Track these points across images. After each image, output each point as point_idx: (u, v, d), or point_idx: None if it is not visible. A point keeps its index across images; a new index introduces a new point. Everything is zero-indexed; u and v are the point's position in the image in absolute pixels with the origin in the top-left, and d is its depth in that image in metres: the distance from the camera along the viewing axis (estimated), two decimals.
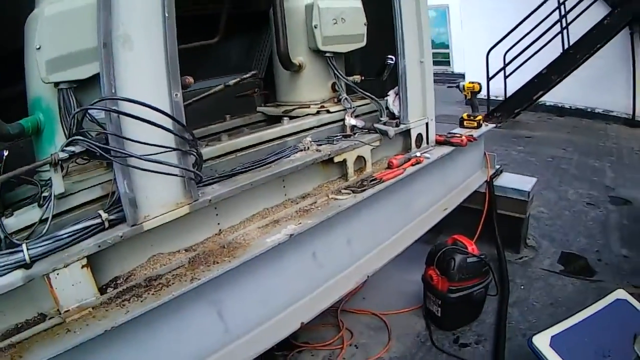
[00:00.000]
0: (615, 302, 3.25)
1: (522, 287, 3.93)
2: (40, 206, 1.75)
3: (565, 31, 8.86)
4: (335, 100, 3.08)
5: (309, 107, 3.00)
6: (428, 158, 3.12)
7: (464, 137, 3.53)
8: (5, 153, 1.82)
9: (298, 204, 2.42)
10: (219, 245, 2.02)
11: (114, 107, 1.63)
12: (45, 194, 1.76)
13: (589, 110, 10.34)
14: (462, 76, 12.25)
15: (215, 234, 2.11)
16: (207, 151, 2.21)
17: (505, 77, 9.70)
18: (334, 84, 3.08)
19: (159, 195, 1.81)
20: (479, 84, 4.15)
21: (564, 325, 2.95)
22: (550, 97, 9.86)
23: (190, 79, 2.16)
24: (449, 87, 4.32)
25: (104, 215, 1.73)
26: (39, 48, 1.75)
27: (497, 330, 3.32)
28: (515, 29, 9.32)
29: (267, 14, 3.19)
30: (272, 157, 2.37)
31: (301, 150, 2.53)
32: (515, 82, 9.60)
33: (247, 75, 3.06)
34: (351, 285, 2.49)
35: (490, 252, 4.13)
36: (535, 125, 10.10)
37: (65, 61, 1.78)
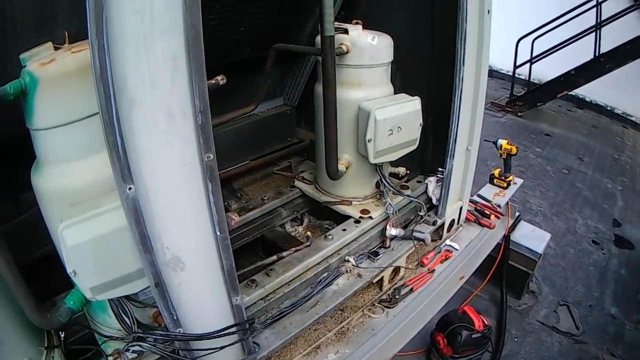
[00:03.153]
0: None
1: (515, 339, 4.21)
2: None
3: (597, 34, 8.72)
4: (378, 196, 3.13)
5: (350, 203, 3.04)
6: (457, 250, 3.31)
7: (492, 218, 3.68)
8: None
9: (337, 324, 2.63)
10: None
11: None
12: None
13: (608, 108, 10.33)
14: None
15: None
16: (258, 293, 2.36)
17: (531, 63, 9.71)
18: (377, 182, 3.09)
19: None
20: (517, 147, 4.20)
21: None
22: None
23: (235, 218, 2.29)
24: (485, 140, 4.35)
25: None
26: (74, 274, 1.63)
27: None
28: (549, 22, 9.32)
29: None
30: (317, 289, 2.52)
31: (344, 274, 2.69)
32: (540, 69, 9.67)
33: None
34: None
35: (495, 295, 4.49)
36: (556, 119, 10.09)
37: (110, 285, 1.71)
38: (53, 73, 1.59)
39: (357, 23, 2.82)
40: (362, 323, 2.68)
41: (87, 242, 1.59)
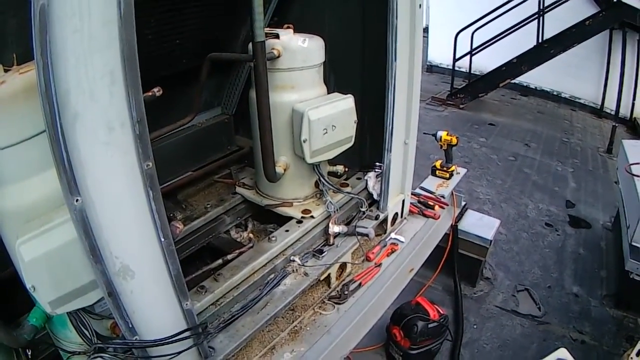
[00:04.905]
0: None
1: (474, 326, 4.52)
2: None
3: (540, 21, 9.22)
4: (318, 195, 3.37)
5: (292, 204, 3.27)
6: (402, 242, 3.60)
7: (436, 209, 4.02)
8: None
9: (289, 323, 2.85)
10: None
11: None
12: None
13: (554, 93, 10.89)
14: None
15: None
16: (208, 299, 2.56)
17: (471, 55, 10.21)
18: (316, 182, 3.31)
19: None
20: (457, 137, 4.56)
21: None
22: None
23: (180, 227, 2.52)
24: (424, 133, 4.67)
25: None
26: (33, 289, 1.79)
27: None
28: (489, 13, 9.77)
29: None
30: (266, 290, 2.76)
31: (290, 274, 2.93)
32: (482, 60, 10.18)
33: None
34: None
35: (449, 285, 4.81)
36: (499, 108, 10.62)
37: (67, 298, 1.88)
38: (3, 94, 1.74)
39: (288, 27, 3.06)
40: (314, 321, 2.90)
41: (43, 256, 1.75)
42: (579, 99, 10.67)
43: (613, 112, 9.72)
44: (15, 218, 1.86)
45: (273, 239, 3.01)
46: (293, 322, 2.87)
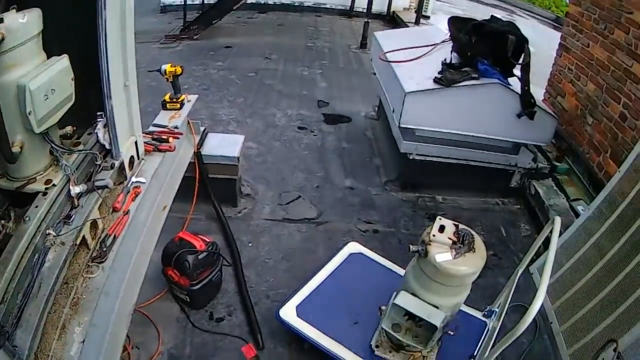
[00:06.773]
0: (349, 258, 4.33)
1: (249, 244, 4.99)
2: None
3: None
4: (56, 162, 3.62)
5: (35, 180, 3.50)
6: (143, 183, 4.06)
7: (171, 141, 4.54)
8: None
9: (67, 297, 3.17)
10: None
11: None
12: None
13: (296, 4, 12.03)
14: None
15: None
16: None
17: None
18: (50, 149, 3.53)
19: None
20: (182, 67, 5.06)
21: (304, 293, 3.90)
22: None
23: None
24: (149, 71, 5.09)
25: None
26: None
27: (241, 298, 4.35)
28: None
29: None
30: (35, 273, 3.02)
31: (50, 247, 3.24)
32: None
33: None
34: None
35: (211, 212, 5.34)
36: (235, 30, 11.50)
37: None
38: None
39: (13, 9, 3.17)
40: (86, 287, 3.25)
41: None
42: (324, 4, 11.84)
43: (364, 11, 10.80)
44: None
45: (27, 219, 3.27)
46: (70, 294, 3.21)
